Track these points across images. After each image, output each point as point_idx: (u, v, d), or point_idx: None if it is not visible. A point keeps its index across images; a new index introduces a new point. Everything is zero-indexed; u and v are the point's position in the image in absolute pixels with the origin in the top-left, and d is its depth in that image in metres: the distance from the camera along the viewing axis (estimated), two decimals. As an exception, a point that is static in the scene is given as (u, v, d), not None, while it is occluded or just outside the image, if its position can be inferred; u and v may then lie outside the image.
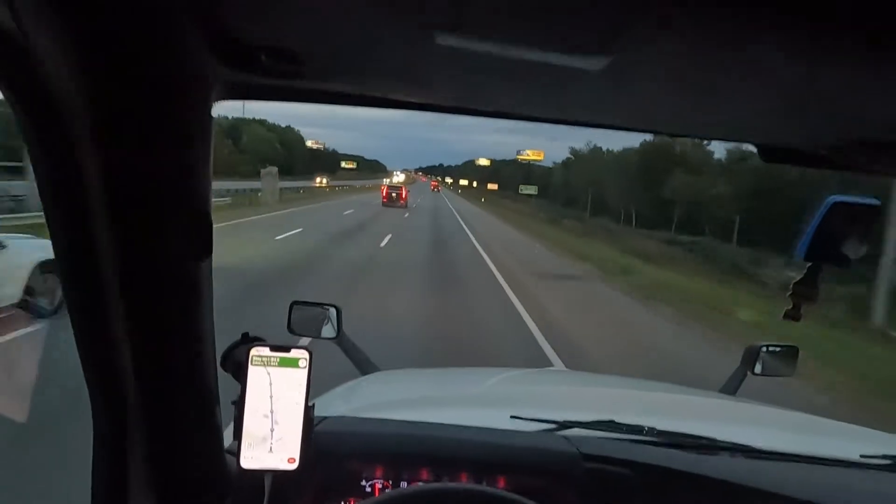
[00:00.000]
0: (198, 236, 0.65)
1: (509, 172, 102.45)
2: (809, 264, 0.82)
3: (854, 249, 0.77)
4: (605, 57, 0.44)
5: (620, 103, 0.66)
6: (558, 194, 63.43)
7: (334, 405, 1.40)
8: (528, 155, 64.32)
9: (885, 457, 1.19)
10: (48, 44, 0.48)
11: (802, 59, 0.42)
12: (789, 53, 0.41)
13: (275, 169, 26.92)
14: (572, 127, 0.78)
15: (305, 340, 1.40)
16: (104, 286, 0.62)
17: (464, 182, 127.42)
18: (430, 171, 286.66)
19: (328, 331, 1.76)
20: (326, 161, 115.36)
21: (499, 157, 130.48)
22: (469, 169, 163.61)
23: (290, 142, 77.09)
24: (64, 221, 0.60)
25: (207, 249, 0.66)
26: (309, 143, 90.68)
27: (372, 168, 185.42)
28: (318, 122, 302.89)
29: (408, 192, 35.70)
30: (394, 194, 32.31)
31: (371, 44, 0.52)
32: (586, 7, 0.38)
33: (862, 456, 1.19)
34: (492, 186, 62.62)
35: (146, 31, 0.49)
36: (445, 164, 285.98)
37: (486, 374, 2.12)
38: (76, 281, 0.64)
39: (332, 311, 1.77)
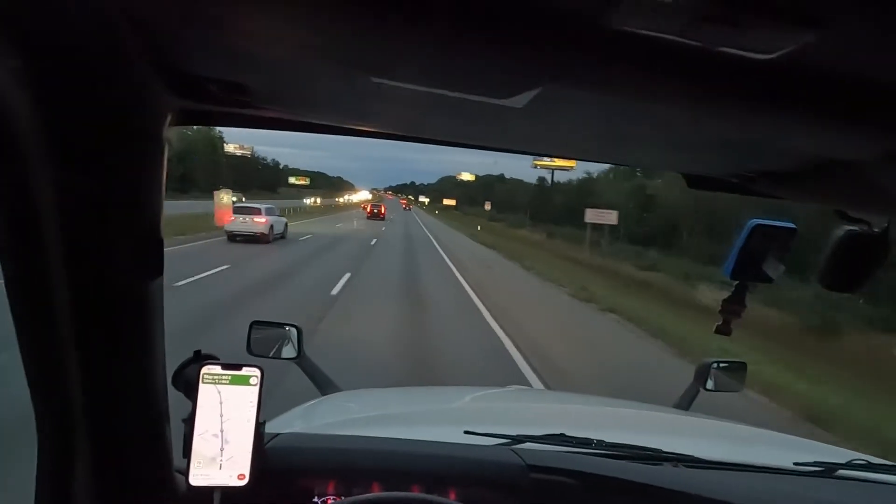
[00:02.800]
0: (149, 257, 0.66)
1: (503, 190, 78.68)
2: (736, 283, 0.86)
3: (773, 269, 0.80)
4: (524, 96, 0.50)
5: (548, 135, 0.73)
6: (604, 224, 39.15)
7: (294, 424, 1.44)
8: (552, 161, 40.90)
9: (815, 464, 1.27)
10: (4, 72, 0.50)
11: (693, 113, 0.49)
12: (680, 107, 0.48)
13: (229, 192, 25.09)
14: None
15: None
16: (53, 302, 0.62)
17: (449, 202, 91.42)
18: (400, 189, 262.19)
19: (289, 351, 1.72)
20: (265, 174, 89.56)
21: (482, 173, 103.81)
22: (447, 186, 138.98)
23: (190, 142, 51.36)
24: (15, 238, 0.60)
25: (158, 269, 0.68)
26: (230, 148, 64.82)
27: (335, 186, 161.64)
28: (278, 142, 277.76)
29: (386, 208, 50.63)
30: (375, 210, 45.94)
31: (311, 79, 0.58)
32: (501, 61, 0.44)
33: (795, 463, 1.27)
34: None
35: (102, 65, 0.53)
36: (417, 182, 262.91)
37: (449, 392, 2.25)
38: (24, 294, 0.63)
39: (293, 330, 1.73)
